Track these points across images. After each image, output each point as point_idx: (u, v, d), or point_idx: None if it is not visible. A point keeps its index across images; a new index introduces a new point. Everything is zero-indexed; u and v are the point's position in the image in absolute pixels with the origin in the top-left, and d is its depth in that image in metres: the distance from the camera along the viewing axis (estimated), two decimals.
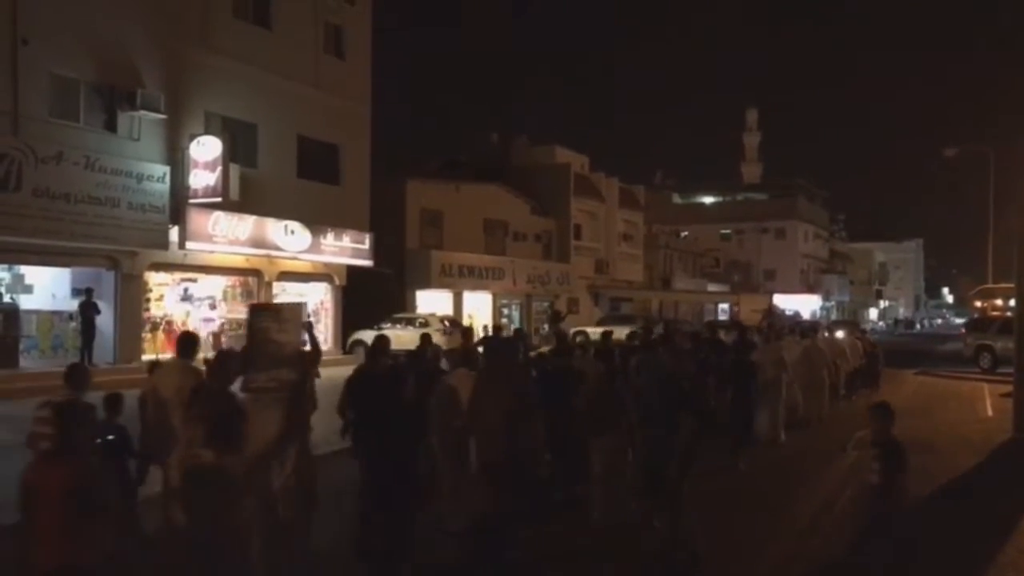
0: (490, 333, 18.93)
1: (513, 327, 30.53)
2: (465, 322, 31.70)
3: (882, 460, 6.10)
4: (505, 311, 37.91)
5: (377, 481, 6.05)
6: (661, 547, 6.94)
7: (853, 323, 34.18)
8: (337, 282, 26.32)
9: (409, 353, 9.55)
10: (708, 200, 79.93)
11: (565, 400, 8.36)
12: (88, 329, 18.52)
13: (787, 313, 58.38)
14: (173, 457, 5.22)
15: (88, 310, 18.54)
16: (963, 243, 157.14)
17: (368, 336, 26.89)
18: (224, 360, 6.06)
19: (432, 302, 32.20)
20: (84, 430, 4.24)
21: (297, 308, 6.63)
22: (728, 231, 73.30)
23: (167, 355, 20.23)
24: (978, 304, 36.42)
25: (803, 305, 69.13)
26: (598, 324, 35.82)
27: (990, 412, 17.17)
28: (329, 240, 24.91)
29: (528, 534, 7.05)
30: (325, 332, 25.94)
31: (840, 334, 19.86)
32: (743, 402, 11.53)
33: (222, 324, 22.82)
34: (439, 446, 6.84)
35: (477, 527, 6.35)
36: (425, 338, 10.94)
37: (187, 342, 6.98)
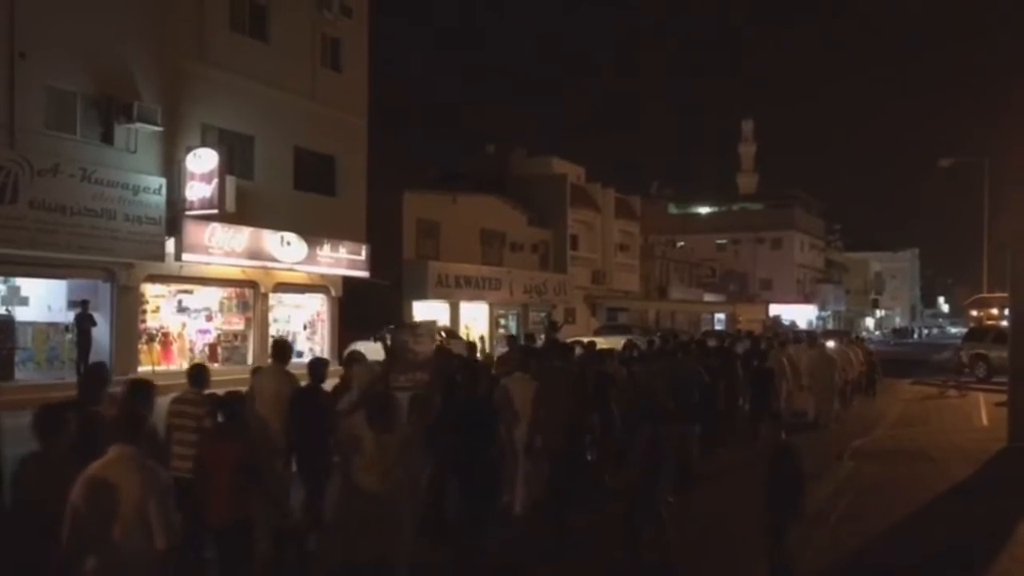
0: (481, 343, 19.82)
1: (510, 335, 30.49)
2: (462, 332, 31.73)
3: (773, 464, 6.36)
4: (502, 321, 37.94)
5: (460, 468, 6.82)
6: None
7: (845, 332, 34.47)
8: (334, 293, 26.32)
9: (462, 360, 10.50)
10: (704, 210, 79.97)
11: (605, 400, 9.24)
12: (84, 341, 18.49)
13: (786, 323, 58.52)
14: (334, 437, 6.27)
15: (84, 322, 18.52)
16: (959, 253, 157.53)
17: (365, 347, 26.86)
18: (317, 365, 7.48)
19: (429, 313, 32.19)
20: (242, 416, 5.37)
21: (431, 324, 7.84)
22: (724, 241, 73.33)
23: (163, 367, 20.27)
24: (973, 313, 36.44)
25: (799, 315, 69.19)
26: (595, 334, 35.84)
27: (985, 421, 17.19)
28: (326, 251, 24.93)
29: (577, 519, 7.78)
30: (322, 343, 25.94)
31: (831, 343, 20.19)
32: (760, 404, 12.40)
33: (218, 335, 22.81)
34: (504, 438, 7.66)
35: (538, 509, 7.41)
36: (471, 347, 12.48)
37: (282, 349, 7.86)
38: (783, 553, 6.23)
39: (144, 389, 5.51)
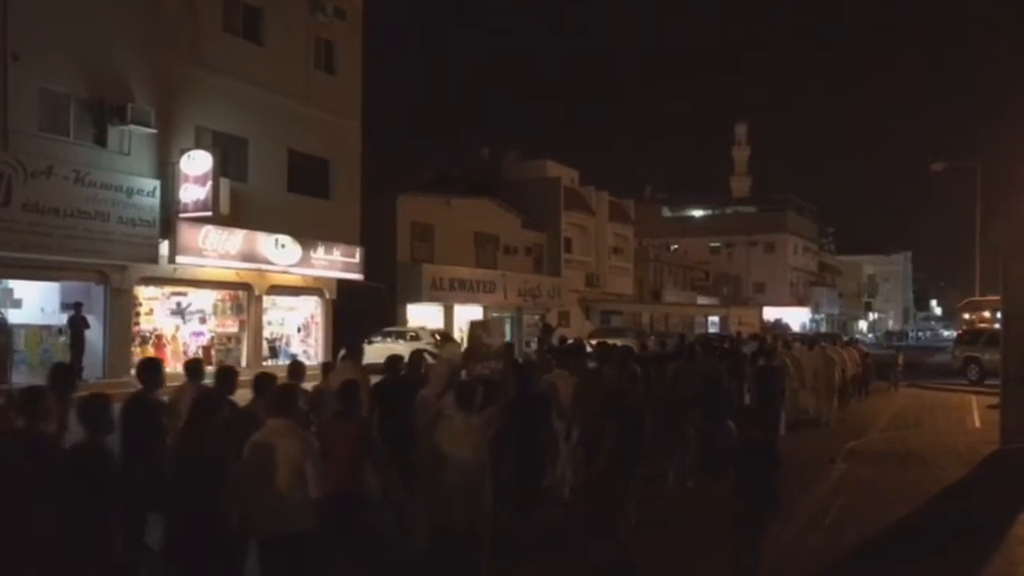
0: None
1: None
2: (456, 336, 31.72)
3: (753, 460, 6.45)
4: None
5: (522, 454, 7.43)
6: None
7: (836, 336, 34.84)
8: (328, 296, 26.28)
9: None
10: (698, 213, 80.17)
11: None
12: (78, 343, 18.43)
13: (780, 324, 58.84)
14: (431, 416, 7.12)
15: (77, 324, 18.46)
16: (951, 256, 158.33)
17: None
18: (396, 361, 8.77)
19: (423, 315, 32.22)
20: (358, 401, 6.27)
21: (500, 321, 11.54)
22: (718, 244, 73.52)
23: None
24: (966, 316, 36.56)
25: (792, 317, 69.38)
26: (589, 337, 35.89)
27: (977, 424, 17.26)
28: (320, 254, 24.89)
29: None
30: (316, 346, 25.89)
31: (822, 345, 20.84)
32: (769, 403, 12.86)
33: (212, 338, 22.75)
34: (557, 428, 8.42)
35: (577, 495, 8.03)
36: (509, 348, 13.33)
37: (354, 347, 9.38)
38: (753, 551, 6.35)
39: (267, 381, 6.80)
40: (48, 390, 4.82)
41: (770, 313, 65.50)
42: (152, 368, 6.46)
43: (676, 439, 10.06)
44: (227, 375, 6.94)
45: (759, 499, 6.26)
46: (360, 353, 9.15)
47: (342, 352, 9.82)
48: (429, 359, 11.37)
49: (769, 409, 12.34)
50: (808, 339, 22.82)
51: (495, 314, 36.54)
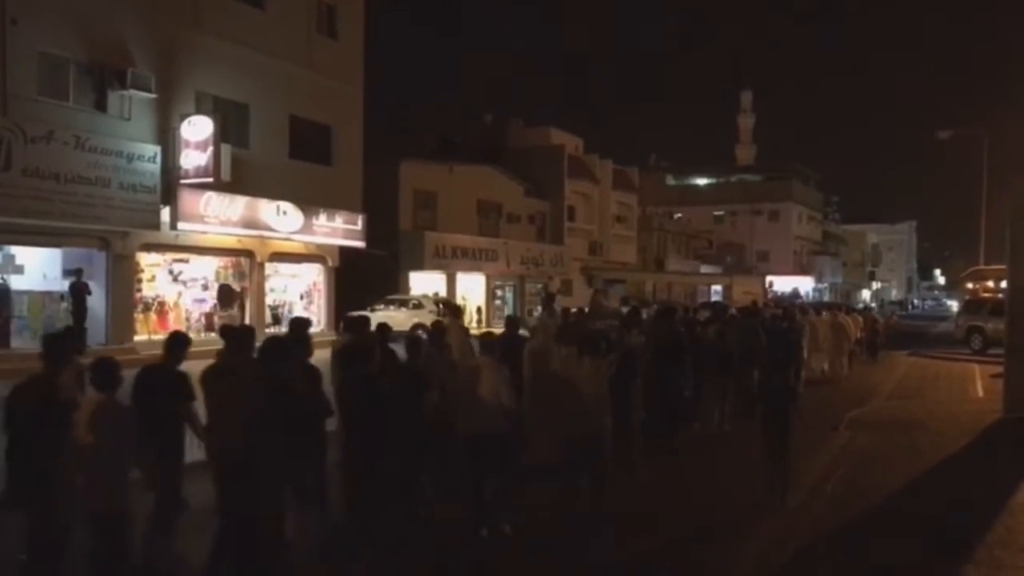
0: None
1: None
2: (459, 303, 31.72)
3: (775, 398, 8.28)
4: (499, 292, 37.93)
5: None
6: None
7: (836, 304, 35.45)
8: (330, 263, 26.23)
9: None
10: (702, 182, 79.67)
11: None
12: (79, 310, 18.42)
13: (786, 292, 58.84)
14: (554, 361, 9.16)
15: (79, 290, 18.43)
16: (956, 225, 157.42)
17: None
18: (510, 325, 10.56)
19: (425, 283, 32.20)
20: (496, 350, 7.85)
21: (618, 287, 13.95)
22: (721, 213, 73.12)
23: (160, 336, 20.19)
24: (970, 286, 36.45)
25: (796, 287, 69.27)
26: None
27: (980, 393, 17.27)
28: (322, 221, 24.79)
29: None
30: (318, 313, 25.89)
31: (824, 314, 21.36)
32: (790, 358, 13.76)
33: (214, 305, 22.73)
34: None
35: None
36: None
37: (456, 308, 11.26)
38: (781, 468, 8.15)
39: (424, 337, 8.57)
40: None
41: (774, 283, 65.29)
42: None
43: (721, 387, 12.16)
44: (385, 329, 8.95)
45: (781, 427, 8.10)
46: (461, 312, 11.17)
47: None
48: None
49: (790, 362, 13.15)
50: (817, 307, 25.00)
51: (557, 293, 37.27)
